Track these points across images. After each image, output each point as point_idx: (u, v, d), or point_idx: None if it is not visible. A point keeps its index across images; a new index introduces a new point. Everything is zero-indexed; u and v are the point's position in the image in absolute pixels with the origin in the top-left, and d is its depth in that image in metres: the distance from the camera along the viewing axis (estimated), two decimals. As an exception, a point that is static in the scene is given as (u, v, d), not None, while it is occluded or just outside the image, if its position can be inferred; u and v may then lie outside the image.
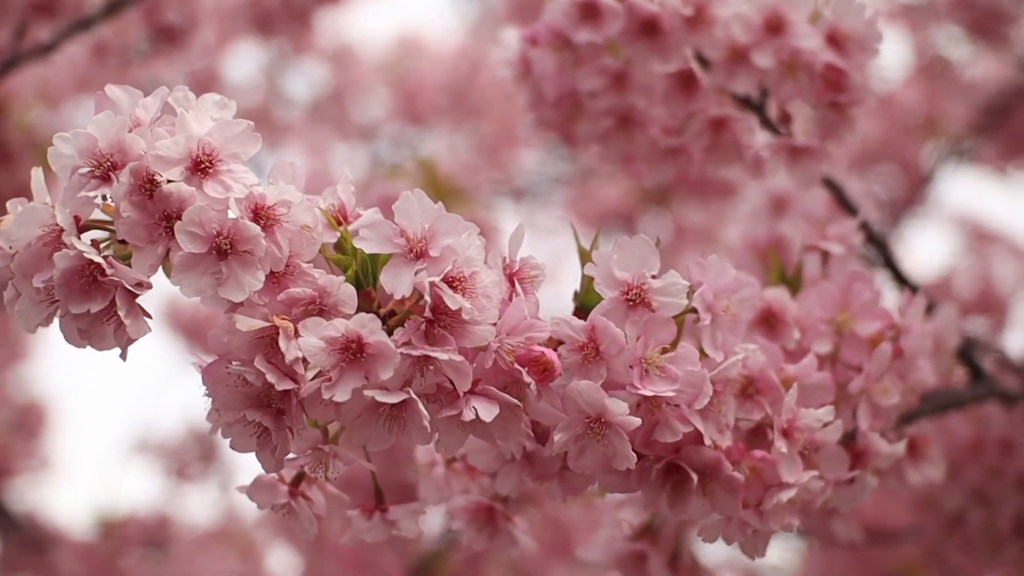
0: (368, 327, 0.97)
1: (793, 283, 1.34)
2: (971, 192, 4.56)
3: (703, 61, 1.35)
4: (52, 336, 1.01)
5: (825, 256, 1.38)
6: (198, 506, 3.92)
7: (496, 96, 4.09)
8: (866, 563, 2.81)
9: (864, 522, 1.57)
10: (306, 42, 3.83)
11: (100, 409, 4.30)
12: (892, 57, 3.58)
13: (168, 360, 4.04)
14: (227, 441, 1.02)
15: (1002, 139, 3.37)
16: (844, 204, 1.51)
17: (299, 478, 1.11)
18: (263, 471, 1.05)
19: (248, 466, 1.08)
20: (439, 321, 0.99)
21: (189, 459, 4.00)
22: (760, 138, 1.39)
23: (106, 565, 3.27)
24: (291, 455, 1.03)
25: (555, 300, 1.14)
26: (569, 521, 2.77)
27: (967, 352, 1.55)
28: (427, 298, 0.98)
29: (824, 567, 2.96)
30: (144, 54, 2.57)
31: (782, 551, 3.24)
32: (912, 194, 3.53)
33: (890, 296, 1.40)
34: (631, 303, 1.05)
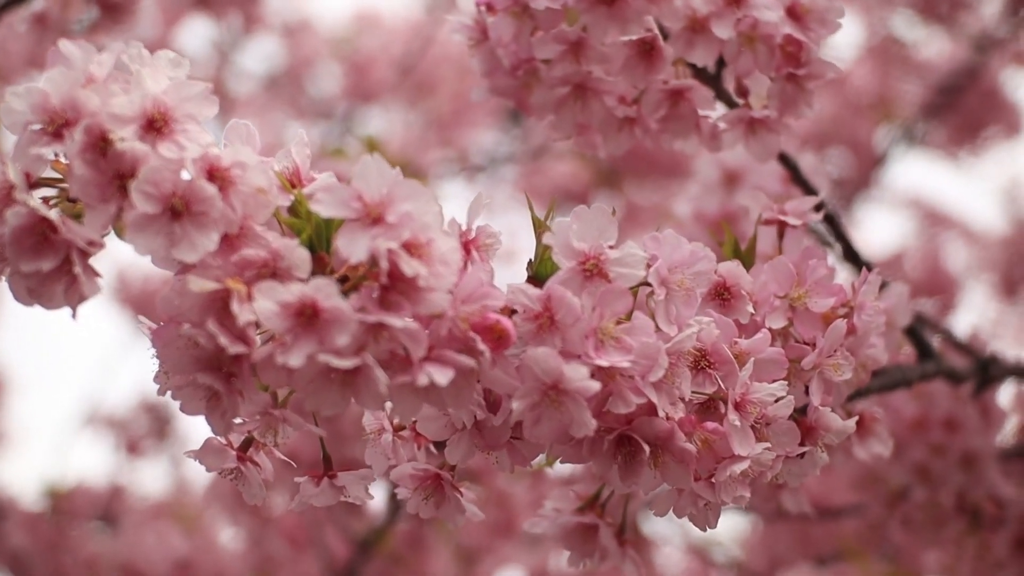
0: (324, 291, 0.96)
1: (746, 257, 1.33)
2: (922, 175, 4.61)
3: (661, 31, 1.33)
4: (4, 306, 1.00)
5: (780, 231, 1.37)
6: (150, 480, 3.91)
7: (449, 73, 4.07)
8: (808, 540, 2.84)
9: (806, 499, 1.58)
10: (255, 18, 3.80)
11: (54, 380, 4.27)
12: (845, 37, 3.60)
13: (121, 333, 4.02)
14: (177, 403, 1.02)
15: (953, 122, 3.40)
16: (799, 179, 1.51)
17: (248, 443, 1.11)
18: (212, 434, 1.04)
19: (200, 439, 1.08)
20: (395, 287, 0.97)
21: (142, 433, 3.97)
22: (716, 110, 1.38)
23: (55, 537, 3.24)
24: (240, 419, 1.03)
25: (512, 278, 1.13)
26: (514, 498, 2.77)
27: (916, 330, 1.56)
28: (383, 264, 0.97)
29: (767, 543, 2.99)
30: (87, 26, 2.52)
31: (727, 527, 3.27)
32: (864, 175, 3.55)
33: (841, 273, 1.40)
34: (588, 273, 1.05)
